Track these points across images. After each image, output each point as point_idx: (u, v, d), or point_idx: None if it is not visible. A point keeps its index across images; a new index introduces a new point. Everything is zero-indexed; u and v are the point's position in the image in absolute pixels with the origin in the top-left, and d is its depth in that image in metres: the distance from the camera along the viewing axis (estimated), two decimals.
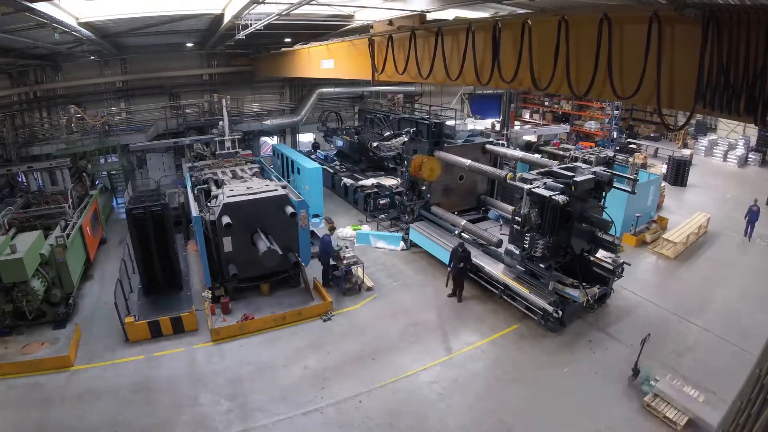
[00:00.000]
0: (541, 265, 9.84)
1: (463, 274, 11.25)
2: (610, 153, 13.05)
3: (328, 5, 11.73)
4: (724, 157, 25.03)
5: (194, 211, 11.19)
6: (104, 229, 15.33)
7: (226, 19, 12.21)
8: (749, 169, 24.36)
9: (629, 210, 14.09)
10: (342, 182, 19.12)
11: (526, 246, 9.81)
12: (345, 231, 15.28)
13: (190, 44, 18.77)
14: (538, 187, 9.52)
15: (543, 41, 6.33)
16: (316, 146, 24.26)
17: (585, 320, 10.50)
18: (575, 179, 9.38)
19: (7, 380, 8.76)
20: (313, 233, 13.70)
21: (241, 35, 12.72)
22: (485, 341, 9.90)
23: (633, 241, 14.36)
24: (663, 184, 17.81)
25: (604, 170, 10.17)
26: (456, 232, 12.87)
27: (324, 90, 23.23)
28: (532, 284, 10.28)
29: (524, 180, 9.86)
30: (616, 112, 26.12)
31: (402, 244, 14.36)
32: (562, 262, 10.12)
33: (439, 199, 14.04)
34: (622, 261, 10.58)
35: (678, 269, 13.22)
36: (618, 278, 10.74)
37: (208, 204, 11.48)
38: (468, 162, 12.35)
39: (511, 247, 10.41)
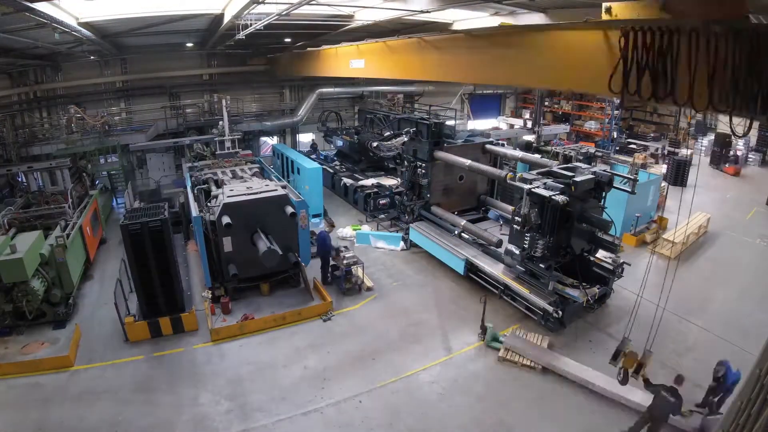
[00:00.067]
0: (541, 265, 9.84)
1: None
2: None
3: (328, 5, 11.72)
4: None
5: (194, 211, 11.19)
6: (104, 229, 15.33)
7: (226, 19, 12.20)
8: (749, 169, 24.35)
9: (629, 210, 14.08)
10: (342, 182, 19.13)
11: (526, 246, 9.80)
12: (345, 231, 15.29)
13: (190, 44, 18.76)
14: (538, 187, 9.51)
15: None
16: (314, 147, 24.23)
17: (585, 320, 10.50)
18: (575, 179, 9.38)
19: (7, 380, 8.76)
20: (313, 233, 13.71)
21: (241, 35, 12.71)
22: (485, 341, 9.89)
23: (633, 241, 14.35)
24: (663, 184, 17.81)
25: (605, 170, 10.18)
26: (456, 232, 12.87)
27: (324, 90, 23.22)
28: (532, 284, 10.28)
29: (524, 180, 9.85)
30: (616, 112, 26.10)
31: (402, 244, 14.36)
32: (562, 262, 10.12)
33: (439, 199, 14.04)
34: (622, 261, 10.57)
35: (678, 269, 13.20)
36: (618, 278, 10.73)
37: (208, 204, 11.49)
38: (468, 162, 12.35)
39: (511, 247, 10.41)
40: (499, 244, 11.43)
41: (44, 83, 18.37)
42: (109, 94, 19.96)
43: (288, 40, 18.14)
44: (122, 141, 17.68)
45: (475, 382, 8.75)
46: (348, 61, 13.85)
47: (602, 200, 10.17)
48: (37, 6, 7.61)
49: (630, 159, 18.48)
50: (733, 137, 17.29)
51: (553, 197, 9.06)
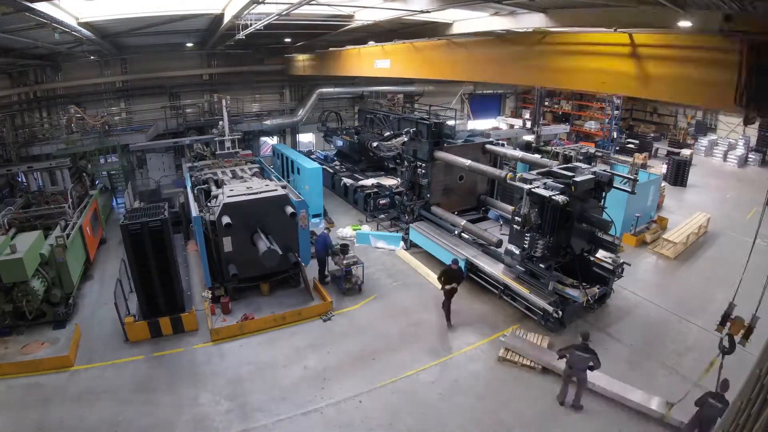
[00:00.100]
0: (541, 265, 9.84)
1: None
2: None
3: (328, 5, 11.71)
4: (724, 157, 25.05)
5: (194, 211, 11.19)
6: (104, 229, 15.33)
7: (226, 19, 12.19)
8: (749, 169, 24.37)
9: (629, 210, 14.08)
10: (342, 182, 19.13)
11: (526, 246, 9.80)
12: (345, 231, 15.29)
13: (190, 44, 18.73)
14: (538, 187, 9.51)
15: None
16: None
17: (585, 320, 10.50)
18: (575, 179, 9.38)
19: (7, 380, 8.76)
20: (313, 233, 13.71)
21: (241, 35, 12.69)
22: (485, 341, 9.90)
23: (633, 241, 14.36)
24: (663, 184, 17.83)
25: (605, 170, 10.18)
26: (456, 232, 12.87)
27: (324, 90, 23.23)
28: (532, 284, 10.28)
29: (524, 180, 9.85)
30: (615, 112, 26.11)
31: (402, 244, 14.36)
32: (562, 262, 10.12)
33: (439, 199, 14.04)
34: (622, 261, 10.57)
35: (678, 269, 13.22)
36: (618, 278, 10.73)
37: (208, 204, 11.49)
38: (468, 162, 12.35)
39: (511, 247, 10.41)
40: (499, 244, 11.43)
41: (44, 83, 18.38)
42: (109, 94, 19.97)
43: (288, 40, 18.12)
44: (122, 141, 17.68)
45: (475, 382, 8.75)
46: (373, 60, 14.45)
47: (602, 200, 10.17)
48: (37, 6, 7.60)
49: (630, 159, 18.48)
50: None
51: (553, 197, 9.06)
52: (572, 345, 7.96)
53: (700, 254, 14.04)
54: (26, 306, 9.73)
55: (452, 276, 10.28)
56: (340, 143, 22.26)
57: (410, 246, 14.25)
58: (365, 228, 15.65)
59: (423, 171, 13.63)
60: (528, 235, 9.67)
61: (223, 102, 15.61)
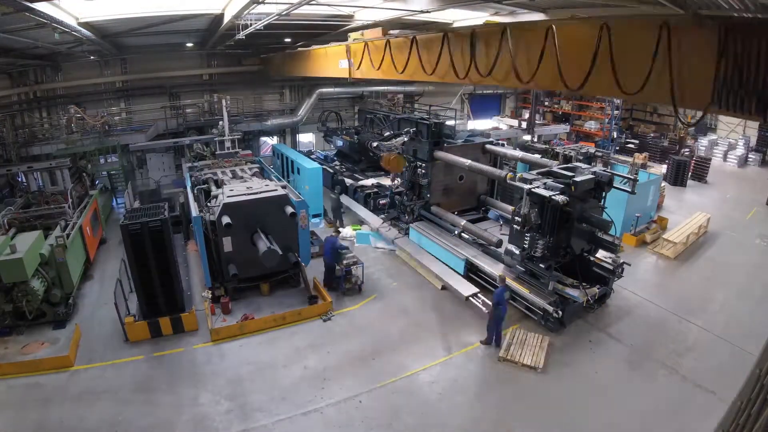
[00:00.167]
0: (541, 265, 9.84)
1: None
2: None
3: (328, 5, 11.73)
4: (724, 157, 25.03)
5: (194, 211, 11.19)
6: (104, 229, 15.33)
7: (226, 19, 12.20)
8: (749, 169, 24.37)
9: (629, 210, 14.09)
10: (342, 182, 19.12)
11: (526, 246, 9.81)
12: (345, 231, 15.30)
13: (190, 44, 18.76)
14: (538, 187, 9.52)
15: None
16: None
17: (585, 320, 10.50)
18: (575, 179, 9.38)
19: (7, 380, 8.76)
20: (313, 233, 13.69)
21: (241, 35, 12.71)
22: None
23: (633, 241, 14.36)
24: (663, 184, 17.83)
25: (604, 170, 10.18)
26: (456, 232, 12.87)
27: (324, 90, 23.22)
28: (532, 284, 10.29)
29: (524, 180, 9.85)
30: (616, 112, 26.10)
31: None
32: (562, 262, 10.12)
33: (439, 199, 14.04)
34: (622, 261, 10.57)
35: (678, 269, 13.22)
36: (618, 278, 10.74)
37: (208, 204, 11.48)
38: (468, 162, 12.35)
39: (511, 247, 10.41)
40: (499, 244, 11.43)
41: (44, 83, 18.37)
42: (109, 94, 19.95)
43: (288, 40, 18.13)
44: (122, 141, 17.67)
45: (475, 382, 8.75)
46: (337, 60, 13.64)
47: (602, 200, 10.17)
48: (37, 6, 7.61)
49: (630, 159, 18.49)
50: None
51: (553, 197, 9.07)
52: None
53: (700, 254, 14.05)
54: (26, 306, 9.72)
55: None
56: (340, 143, 22.26)
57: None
58: (365, 228, 15.62)
59: (423, 171, 13.62)
60: (528, 235, 9.68)
61: (223, 102, 15.60)
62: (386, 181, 18.31)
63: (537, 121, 27.01)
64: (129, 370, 9.01)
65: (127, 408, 8.04)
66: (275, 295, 11.55)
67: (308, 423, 7.75)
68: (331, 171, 20.38)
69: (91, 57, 17.81)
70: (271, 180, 12.82)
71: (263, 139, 23.73)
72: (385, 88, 24.42)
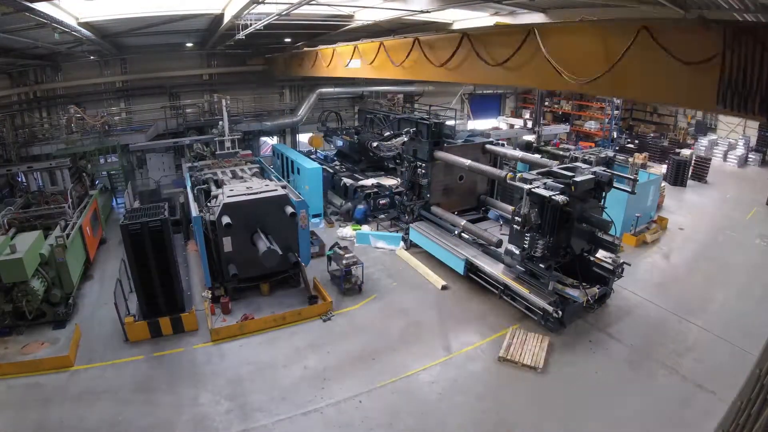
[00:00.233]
0: (541, 265, 9.84)
1: None
2: (610, 153, 13.06)
3: (328, 5, 11.72)
4: (724, 157, 25.03)
5: (194, 211, 11.19)
6: (104, 229, 15.33)
7: (226, 19, 12.20)
8: (749, 169, 24.36)
9: (629, 210, 14.09)
10: (342, 182, 19.11)
11: (526, 246, 9.81)
12: (345, 231, 15.30)
13: (190, 44, 18.75)
14: (538, 187, 9.52)
15: None
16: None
17: (585, 320, 10.51)
18: (575, 179, 9.38)
19: (7, 380, 8.76)
20: (313, 233, 13.70)
21: (241, 35, 12.70)
22: (485, 341, 9.90)
23: (633, 241, 14.36)
24: (663, 184, 17.83)
25: (604, 170, 10.18)
26: (456, 232, 12.87)
27: (324, 90, 23.20)
28: (532, 284, 10.28)
29: (524, 180, 9.85)
30: (615, 112, 26.09)
31: (402, 244, 14.36)
32: (562, 262, 10.12)
33: (439, 199, 14.04)
34: (622, 261, 10.58)
35: (678, 269, 13.22)
36: (618, 278, 10.74)
37: (208, 204, 11.48)
38: (468, 162, 12.35)
39: (511, 247, 10.41)
40: (499, 244, 11.43)
41: (44, 83, 18.37)
42: (109, 94, 19.94)
43: (288, 40, 18.12)
44: (122, 141, 17.66)
45: (475, 382, 8.75)
46: (346, 60, 13.49)
47: (602, 200, 10.17)
48: (37, 6, 7.61)
49: (630, 159, 18.49)
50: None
51: (553, 197, 9.07)
52: None
53: (700, 254, 14.05)
54: (26, 306, 9.73)
55: None
56: (340, 143, 22.25)
57: (410, 246, 14.25)
58: (365, 228, 15.64)
59: (423, 171, 13.62)
60: (528, 235, 9.68)
61: (223, 102, 15.60)
62: (386, 181, 18.32)
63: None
64: (129, 370, 9.01)
65: (127, 408, 8.04)
66: (275, 295, 11.55)
67: (308, 423, 7.75)
68: (331, 171, 20.38)
69: (91, 57, 17.81)
70: (271, 180, 12.82)
71: (263, 139, 23.71)
72: (386, 88, 24.41)
